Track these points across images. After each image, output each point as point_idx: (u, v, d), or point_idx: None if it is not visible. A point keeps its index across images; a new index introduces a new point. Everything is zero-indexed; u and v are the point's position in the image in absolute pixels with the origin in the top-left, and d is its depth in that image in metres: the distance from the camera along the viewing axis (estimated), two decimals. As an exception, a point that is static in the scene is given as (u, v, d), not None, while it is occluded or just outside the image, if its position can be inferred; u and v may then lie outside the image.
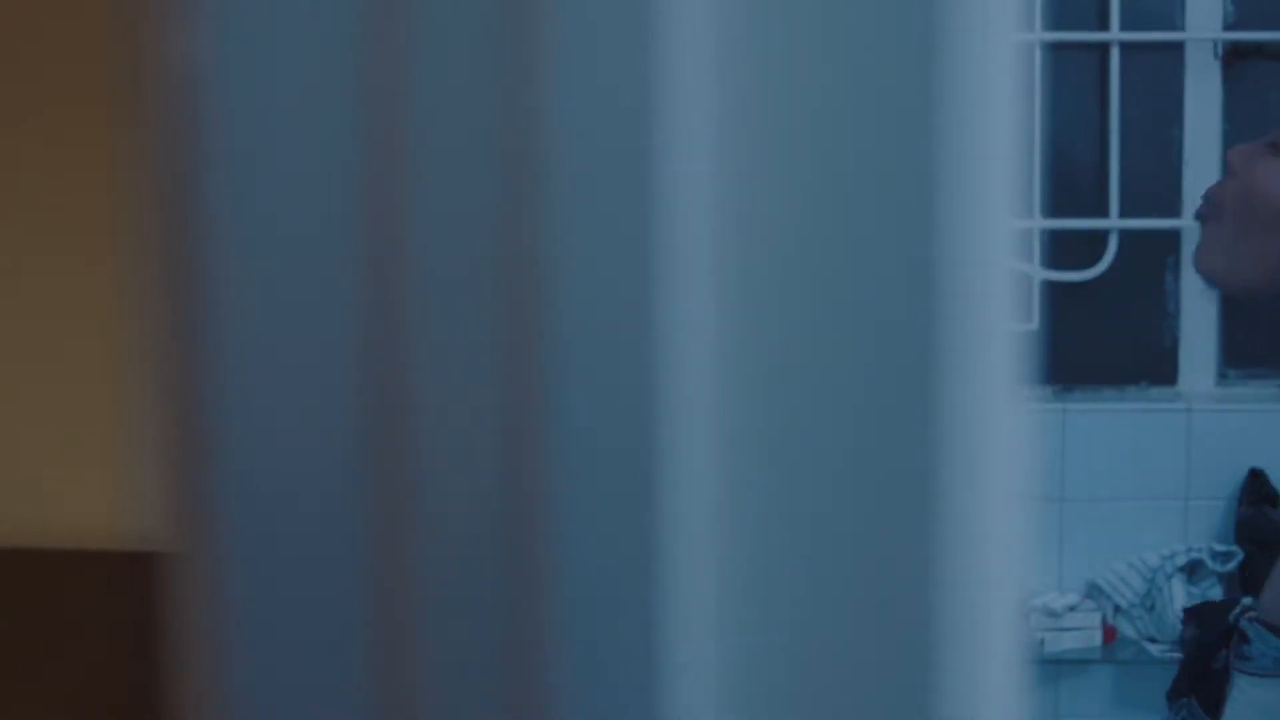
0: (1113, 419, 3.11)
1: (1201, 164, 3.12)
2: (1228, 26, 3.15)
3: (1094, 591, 3.08)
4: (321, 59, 0.49)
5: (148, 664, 0.58)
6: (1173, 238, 3.14)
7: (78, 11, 0.74)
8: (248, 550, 0.51)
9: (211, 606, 0.51)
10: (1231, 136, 3.08)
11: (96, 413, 0.76)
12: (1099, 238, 3.15)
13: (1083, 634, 3.06)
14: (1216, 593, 2.99)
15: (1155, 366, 3.17)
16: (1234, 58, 3.14)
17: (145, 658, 0.59)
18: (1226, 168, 1.76)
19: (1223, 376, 3.11)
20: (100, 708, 0.76)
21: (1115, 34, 3.12)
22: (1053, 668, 3.09)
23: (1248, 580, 2.92)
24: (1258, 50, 3.15)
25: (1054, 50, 3.11)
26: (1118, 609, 3.05)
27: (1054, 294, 3.13)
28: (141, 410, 0.54)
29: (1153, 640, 3.02)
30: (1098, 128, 3.15)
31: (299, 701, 0.51)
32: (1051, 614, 3.03)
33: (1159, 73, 3.14)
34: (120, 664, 0.74)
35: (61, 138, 0.76)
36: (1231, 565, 3.00)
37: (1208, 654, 1.56)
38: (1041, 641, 3.03)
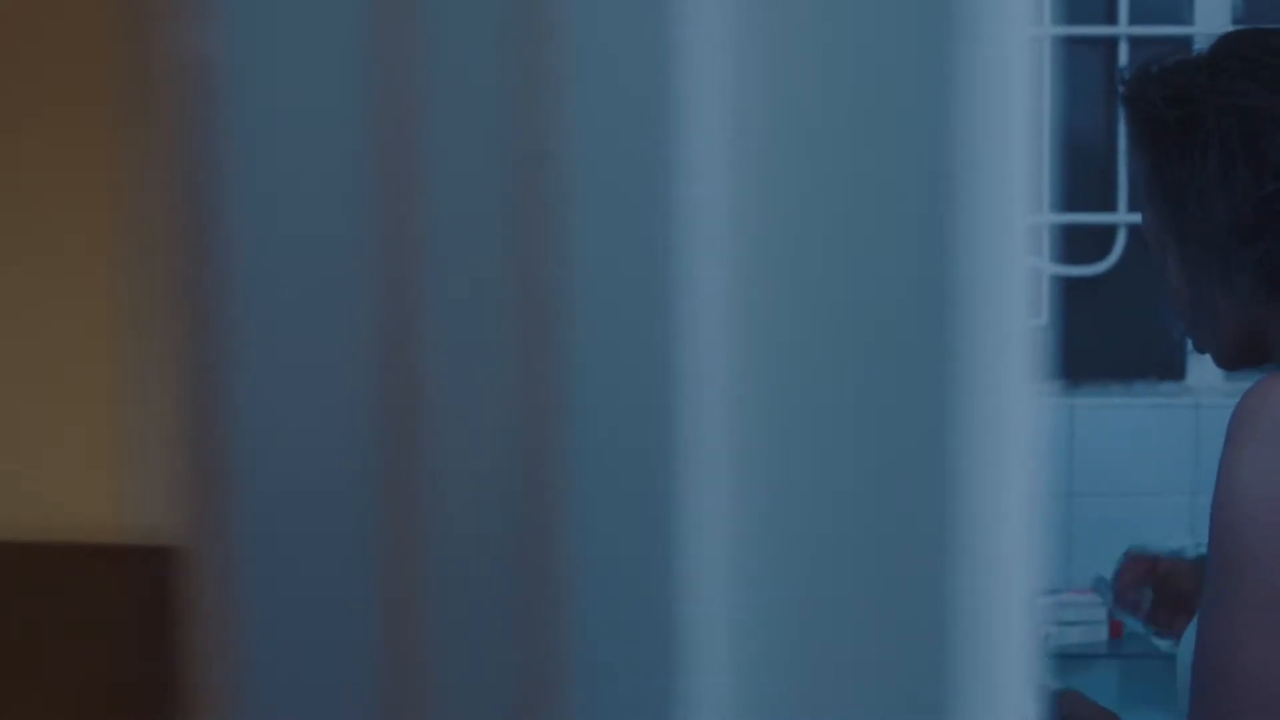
0: (1121, 414, 3.10)
1: (1210, 158, 3.10)
2: (1236, 20, 3.14)
3: (1101, 586, 3.08)
4: (335, 59, 0.49)
5: (155, 660, 0.58)
6: (1181, 232, 3.13)
7: (81, 10, 0.74)
8: (260, 547, 0.51)
9: (223, 602, 0.51)
10: (1240, 131, 3.06)
11: (103, 407, 0.76)
12: (1107, 232, 3.14)
13: (1089, 628, 3.05)
14: (1224, 588, 2.97)
15: (1164, 361, 3.16)
16: (1243, 52, 3.13)
17: (152, 654, 0.59)
18: None
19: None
20: (106, 704, 0.75)
21: (1124, 28, 3.12)
22: (1059, 662, 3.08)
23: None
24: (1267, 44, 3.14)
25: (1063, 44, 3.11)
26: (1125, 604, 3.04)
27: (1063, 289, 3.12)
28: (150, 405, 0.54)
29: (1160, 635, 3.01)
30: (1106, 122, 3.15)
31: (310, 699, 0.51)
32: (1058, 608, 3.03)
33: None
34: (127, 660, 0.74)
35: (64, 137, 0.75)
36: (1239, 560, 2.99)
37: None
38: (1048, 636, 3.02)
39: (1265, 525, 1.22)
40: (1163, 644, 2.91)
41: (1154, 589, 1.99)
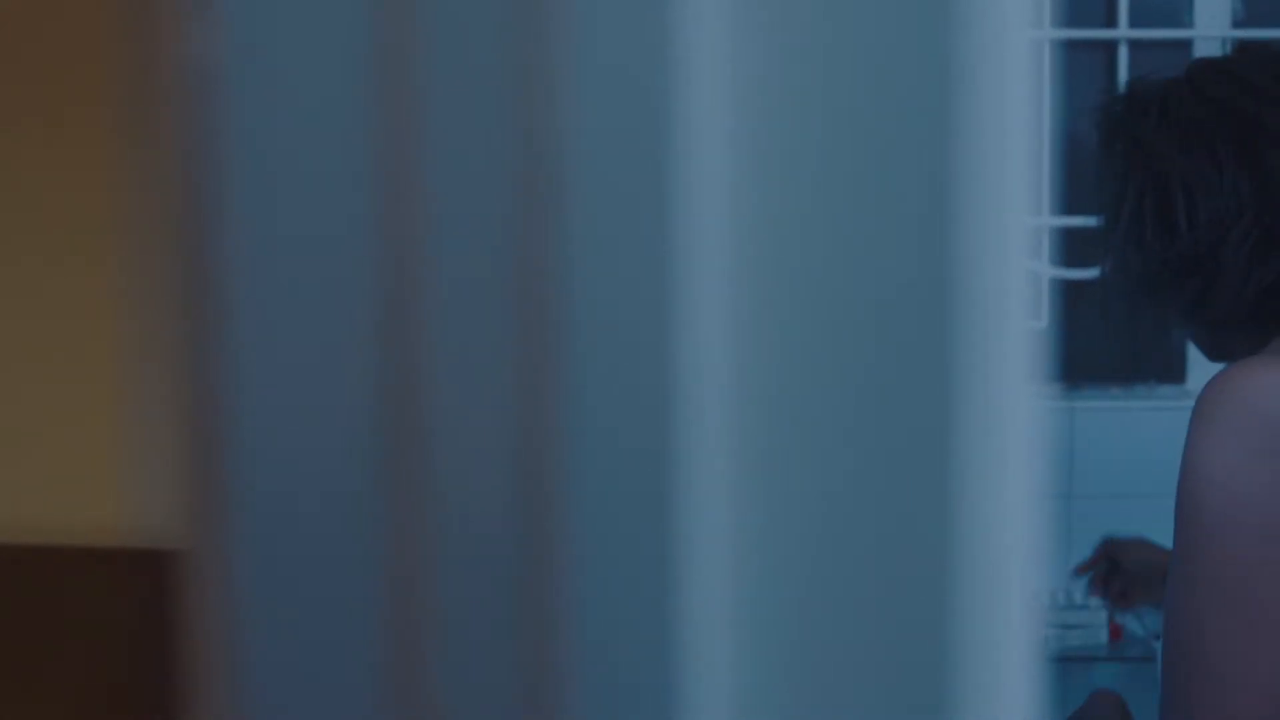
0: (1121, 417, 3.10)
1: (1210, 161, 3.10)
2: (1236, 24, 3.14)
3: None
4: (335, 59, 0.49)
5: (154, 663, 0.58)
6: (1181, 235, 3.13)
7: (81, 10, 0.74)
8: (259, 550, 0.51)
9: (222, 605, 0.51)
10: (1240, 134, 3.06)
11: (102, 411, 0.76)
12: (1107, 235, 3.14)
13: (1089, 631, 3.05)
14: (1223, 591, 2.97)
15: (1163, 364, 3.17)
16: (1243, 55, 3.13)
17: (152, 657, 0.59)
18: None
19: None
20: (106, 706, 0.75)
21: (1124, 31, 3.12)
22: (1059, 665, 3.08)
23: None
24: (1266, 48, 3.14)
25: (1063, 47, 3.11)
26: (1125, 607, 3.04)
27: (1062, 292, 3.12)
28: (149, 408, 0.53)
29: (1159, 637, 3.01)
30: (1106, 125, 3.14)
31: (310, 701, 0.51)
32: (1058, 610, 3.03)
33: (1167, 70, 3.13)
34: (126, 662, 0.74)
35: (63, 137, 0.75)
36: (1238, 563, 2.99)
37: None
38: (1047, 639, 3.02)
39: (1225, 509, 1.24)
40: (1126, 621, 2.92)
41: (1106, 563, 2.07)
